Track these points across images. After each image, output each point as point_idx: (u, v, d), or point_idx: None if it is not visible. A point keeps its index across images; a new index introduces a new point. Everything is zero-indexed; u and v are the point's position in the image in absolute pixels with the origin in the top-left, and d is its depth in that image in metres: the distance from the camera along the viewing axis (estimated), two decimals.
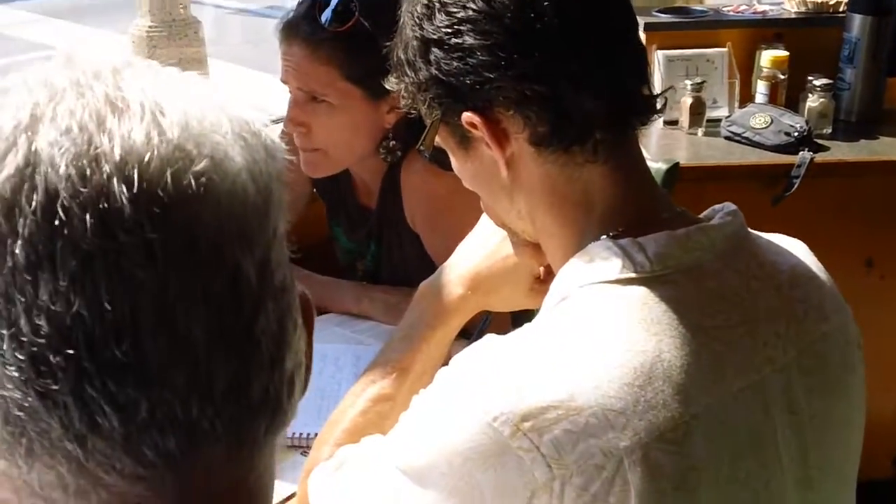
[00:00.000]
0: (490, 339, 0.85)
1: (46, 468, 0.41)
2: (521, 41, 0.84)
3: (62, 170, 0.39)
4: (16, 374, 0.39)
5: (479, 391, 0.79)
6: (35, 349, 0.39)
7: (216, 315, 0.41)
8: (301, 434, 1.35)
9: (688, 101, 2.36)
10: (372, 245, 1.73)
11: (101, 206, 0.39)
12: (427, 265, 1.53)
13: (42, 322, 0.39)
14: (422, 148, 0.96)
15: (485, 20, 0.84)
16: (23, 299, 0.39)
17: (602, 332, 0.81)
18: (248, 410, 0.43)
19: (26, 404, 0.40)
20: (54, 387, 0.39)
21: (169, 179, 0.40)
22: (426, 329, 1.09)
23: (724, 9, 2.66)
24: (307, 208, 1.81)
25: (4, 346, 0.39)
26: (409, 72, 0.91)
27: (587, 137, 0.86)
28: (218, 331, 0.41)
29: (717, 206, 0.92)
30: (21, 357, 0.39)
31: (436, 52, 0.87)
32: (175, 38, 5.76)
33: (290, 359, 0.46)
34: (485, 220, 1.09)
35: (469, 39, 0.85)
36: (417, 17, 0.89)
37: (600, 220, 0.88)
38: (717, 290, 0.84)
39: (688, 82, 2.35)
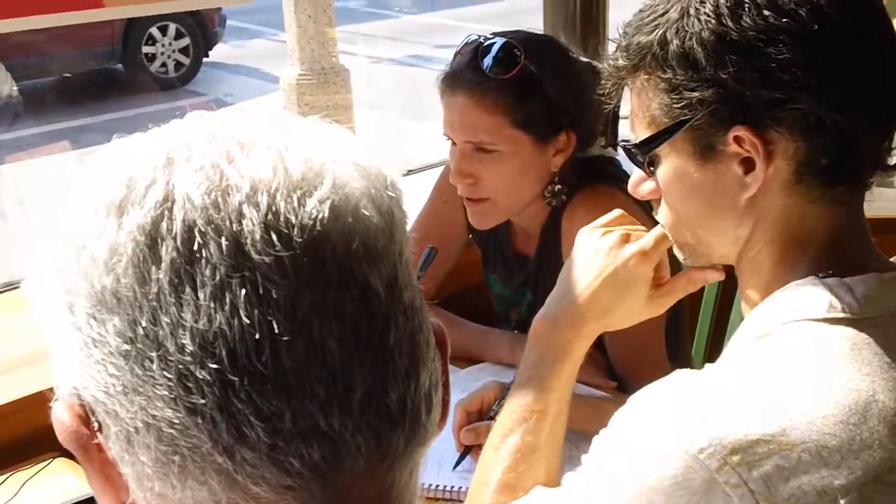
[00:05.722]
0: (684, 372, 0.82)
1: (198, 484, 0.43)
2: (847, 67, 0.80)
3: (197, 201, 0.42)
4: (165, 393, 0.42)
5: (683, 423, 0.76)
6: (182, 367, 0.41)
7: (349, 327, 0.43)
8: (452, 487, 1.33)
9: None
10: (528, 293, 1.69)
11: (234, 229, 0.42)
12: None
13: (186, 340, 0.41)
14: (636, 150, 0.90)
15: (811, 36, 0.79)
16: (168, 320, 0.41)
17: (813, 368, 0.78)
18: (388, 421, 0.45)
19: (176, 421, 0.42)
20: (202, 401, 0.41)
21: (295, 203, 0.43)
22: (553, 365, 1.06)
23: None
24: (462, 254, 1.79)
25: (154, 368, 0.42)
26: (677, 66, 0.82)
27: (858, 178, 0.84)
28: (352, 342, 0.43)
29: None
30: (169, 376, 0.42)
31: (734, 56, 0.79)
32: (324, 85, 5.98)
33: (424, 374, 0.47)
34: (582, 242, 1.07)
35: (787, 53, 0.78)
36: (716, 9, 0.80)
37: (813, 260, 0.85)
38: None
39: None
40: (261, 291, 0.41)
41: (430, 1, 11.31)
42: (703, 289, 1.90)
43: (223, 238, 0.42)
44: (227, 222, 0.42)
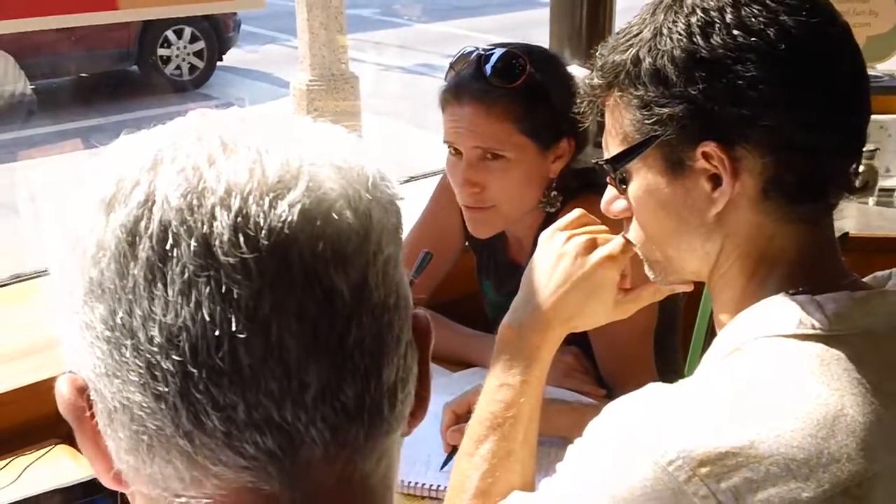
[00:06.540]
0: (655, 386, 0.84)
1: (164, 462, 0.46)
2: (814, 87, 0.82)
3: (174, 202, 0.44)
4: (136, 379, 0.45)
5: (653, 434, 0.77)
6: (150, 356, 0.44)
7: (308, 327, 0.45)
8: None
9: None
10: None
11: (204, 230, 0.44)
12: None
13: (155, 332, 0.44)
14: (609, 165, 0.92)
15: (779, 55, 0.81)
16: (140, 313, 0.44)
17: (782, 383, 0.79)
18: (344, 416, 0.46)
19: (145, 405, 0.45)
20: (165, 389, 0.44)
21: (266, 206, 0.44)
22: (523, 370, 1.07)
23: None
24: (459, 261, 1.83)
25: (128, 355, 0.45)
26: (649, 83, 0.85)
27: (824, 197, 0.85)
28: (310, 341, 0.45)
29: (880, 273, 0.91)
30: (140, 364, 0.45)
31: (703, 73, 0.82)
32: (333, 92, 6.03)
33: (388, 371, 0.48)
34: (545, 246, 1.09)
35: (754, 70, 0.81)
36: (687, 29, 0.83)
37: (783, 277, 0.87)
38: None
39: None
40: (223, 290, 0.43)
41: (442, 11, 11.37)
42: (699, 301, 1.92)
43: (193, 239, 0.44)
44: (200, 224, 0.44)
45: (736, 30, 0.81)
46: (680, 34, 0.84)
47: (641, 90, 0.86)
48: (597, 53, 0.92)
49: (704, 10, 0.83)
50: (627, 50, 0.88)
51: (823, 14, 0.84)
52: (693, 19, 0.83)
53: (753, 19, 0.82)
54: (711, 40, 0.82)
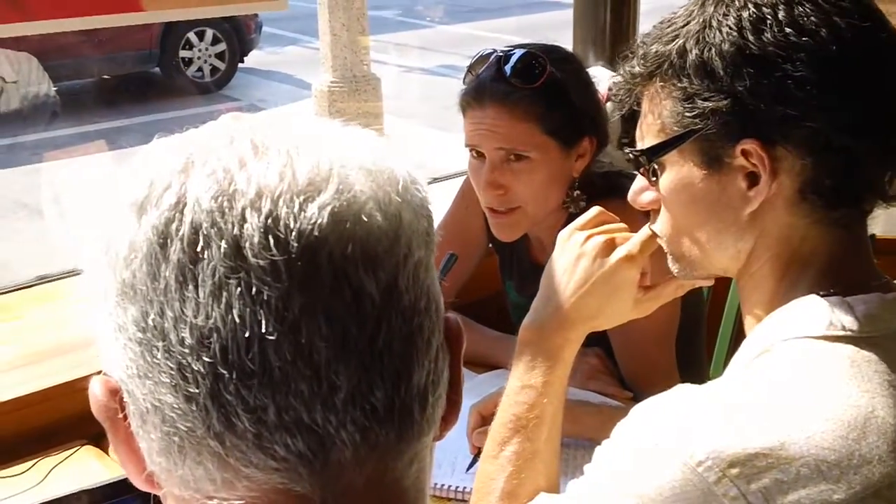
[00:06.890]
0: (684, 387, 0.83)
1: (195, 464, 0.46)
2: (861, 91, 0.82)
3: (205, 205, 0.45)
4: (167, 381, 0.45)
5: (683, 435, 0.77)
6: (181, 357, 0.44)
7: (337, 329, 0.44)
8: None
9: None
10: None
11: (234, 233, 0.44)
12: None
13: (186, 333, 0.44)
14: (644, 156, 0.91)
15: (829, 57, 0.81)
16: (172, 314, 0.44)
17: (812, 384, 0.79)
18: (374, 418, 0.46)
19: (176, 406, 0.45)
20: (196, 391, 0.45)
21: (296, 209, 0.44)
22: (546, 371, 1.07)
23: None
24: (483, 262, 1.82)
25: (159, 356, 0.45)
26: (693, 75, 0.84)
27: (859, 203, 0.85)
28: (339, 343, 0.45)
29: None
30: (171, 365, 0.45)
31: (752, 70, 0.81)
32: (355, 93, 6.04)
33: (418, 374, 0.48)
34: (564, 246, 1.09)
35: (803, 70, 0.80)
36: (738, 23, 0.83)
37: (814, 279, 0.86)
38: None
39: None
40: (253, 292, 0.43)
41: (464, 12, 11.38)
42: (724, 300, 1.91)
43: (224, 241, 0.44)
44: (230, 226, 0.44)
45: (788, 27, 0.81)
46: (730, 28, 0.82)
47: (685, 82, 0.85)
48: (638, 42, 0.91)
49: (757, 6, 0.83)
50: (673, 41, 0.86)
51: (874, 18, 0.84)
52: (745, 14, 0.83)
53: (806, 19, 0.81)
54: (762, 37, 0.81)
